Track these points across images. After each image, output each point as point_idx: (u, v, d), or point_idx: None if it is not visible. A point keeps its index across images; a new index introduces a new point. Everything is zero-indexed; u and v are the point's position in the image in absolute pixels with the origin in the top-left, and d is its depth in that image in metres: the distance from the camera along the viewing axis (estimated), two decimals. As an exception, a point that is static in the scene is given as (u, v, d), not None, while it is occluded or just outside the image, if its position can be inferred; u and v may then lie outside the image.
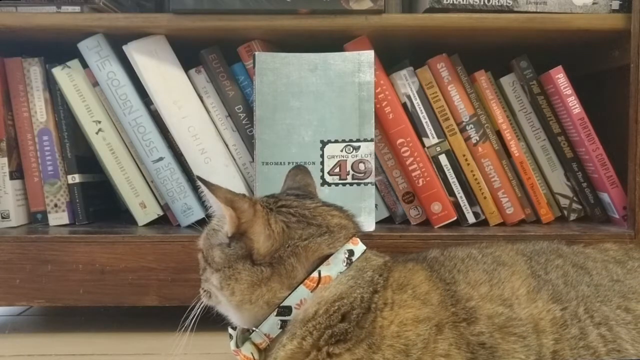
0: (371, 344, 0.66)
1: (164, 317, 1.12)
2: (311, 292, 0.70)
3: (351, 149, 1.06)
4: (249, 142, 1.12)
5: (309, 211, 0.75)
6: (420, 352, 0.66)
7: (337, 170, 1.06)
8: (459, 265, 0.77)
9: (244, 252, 0.72)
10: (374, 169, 1.06)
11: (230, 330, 0.76)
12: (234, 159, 1.13)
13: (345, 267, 0.71)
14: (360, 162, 1.06)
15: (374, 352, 0.66)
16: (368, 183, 1.06)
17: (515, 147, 1.13)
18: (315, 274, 0.70)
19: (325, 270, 0.71)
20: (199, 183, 0.74)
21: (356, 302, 0.68)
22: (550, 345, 0.70)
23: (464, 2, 1.06)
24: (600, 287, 0.76)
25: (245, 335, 0.74)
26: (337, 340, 0.67)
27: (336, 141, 1.06)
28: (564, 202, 1.16)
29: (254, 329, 0.72)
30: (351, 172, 1.06)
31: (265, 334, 0.71)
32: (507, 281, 0.74)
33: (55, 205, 1.15)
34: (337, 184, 1.06)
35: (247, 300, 0.71)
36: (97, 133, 1.13)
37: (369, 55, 1.07)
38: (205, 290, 0.77)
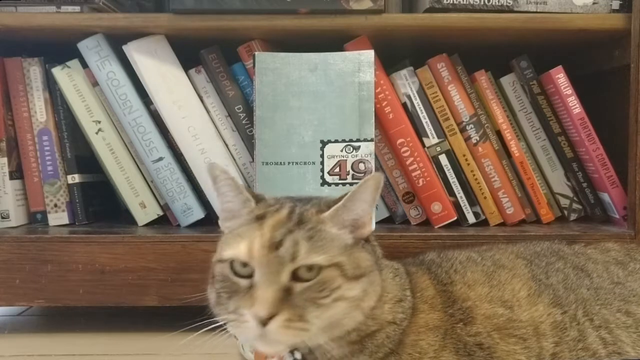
0: (395, 353, 0.67)
1: (164, 317, 1.12)
2: None
3: (351, 148, 1.06)
4: (249, 142, 1.12)
5: None
6: None
7: (337, 170, 1.06)
8: (456, 265, 0.77)
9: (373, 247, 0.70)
10: (374, 169, 1.06)
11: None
12: (234, 159, 1.13)
13: None
14: (360, 162, 1.06)
15: None
16: (368, 183, 1.06)
17: (515, 147, 1.13)
18: None
19: None
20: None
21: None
22: (550, 348, 0.70)
23: (464, 2, 1.06)
24: (600, 290, 0.76)
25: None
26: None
27: (336, 141, 1.06)
28: (564, 202, 1.16)
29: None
30: (351, 172, 1.06)
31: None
32: (508, 283, 0.74)
33: (55, 205, 1.15)
34: (337, 184, 1.06)
35: (373, 306, 0.67)
36: (97, 133, 1.13)
37: (369, 55, 1.07)
38: (306, 323, 0.62)
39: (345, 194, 0.66)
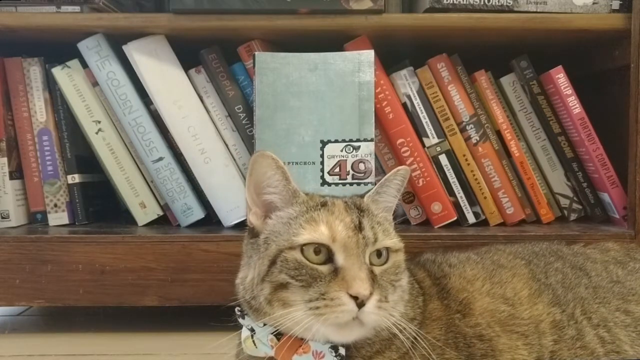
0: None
1: (164, 317, 1.12)
2: None
3: (351, 148, 1.06)
4: (249, 142, 1.12)
5: None
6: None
7: (337, 170, 1.06)
8: (451, 260, 0.78)
9: None
10: (374, 169, 1.06)
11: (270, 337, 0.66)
12: (234, 159, 1.13)
13: None
14: (360, 162, 1.06)
15: None
16: (368, 183, 1.06)
17: (515, 147, 1.13)
18: None
19: None
20: None
21: None
22: (549, 346, 0.71)
23: (464, 2, 1.06)
24: (599, 289, 0.76)
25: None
26: None
27: (336, 141, 1.06)
28: (564, 202, 1.16)
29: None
30: (351, 172, 1.06)
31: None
32: (509, 282, 0.75)
33: (55, 205, 1.15)
34: (337, 184, 1.06)
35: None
36: (97, 133, 1.13)
37: (369, 55, 1.07)
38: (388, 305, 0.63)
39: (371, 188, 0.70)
